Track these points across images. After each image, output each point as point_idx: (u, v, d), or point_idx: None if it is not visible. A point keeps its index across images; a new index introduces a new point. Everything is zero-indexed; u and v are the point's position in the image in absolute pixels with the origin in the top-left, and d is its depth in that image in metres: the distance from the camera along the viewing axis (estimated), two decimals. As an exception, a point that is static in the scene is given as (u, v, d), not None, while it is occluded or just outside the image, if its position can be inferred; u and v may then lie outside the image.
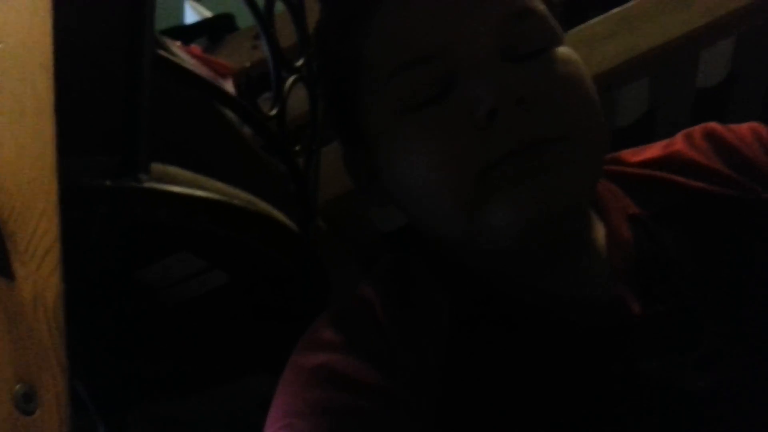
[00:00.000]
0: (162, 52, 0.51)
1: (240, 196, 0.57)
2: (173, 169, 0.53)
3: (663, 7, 0.85)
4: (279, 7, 0.68)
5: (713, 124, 0.57)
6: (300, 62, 0.72)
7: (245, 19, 0.71)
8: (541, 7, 0.49)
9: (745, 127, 0.56)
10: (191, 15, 1.14)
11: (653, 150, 0.57)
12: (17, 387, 0.30)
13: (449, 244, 0.51)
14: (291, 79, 0.70)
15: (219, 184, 0.56)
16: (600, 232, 0.52)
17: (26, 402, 0.30)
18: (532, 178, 0.44)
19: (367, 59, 0.50)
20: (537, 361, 0.47)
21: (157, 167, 0.51)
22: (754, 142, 0.55)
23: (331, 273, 0.71)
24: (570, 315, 0.48)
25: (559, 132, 0.45)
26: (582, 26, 0.87)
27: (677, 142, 0.57)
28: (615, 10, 0.89)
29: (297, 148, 0.73)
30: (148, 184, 0.49)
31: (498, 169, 0.44)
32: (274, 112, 0.66)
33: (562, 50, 0.48)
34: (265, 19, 0.64)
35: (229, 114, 0.69)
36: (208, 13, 1.15)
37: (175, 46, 0.69)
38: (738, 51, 0.92)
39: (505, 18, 0.47)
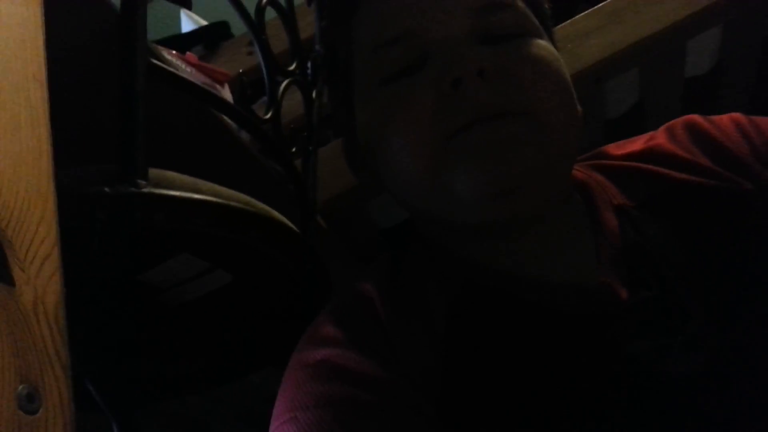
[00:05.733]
0: (155, 61, 0.53)
1: (238, 197, 0.58)
2: (171, 174, 0.55)
3: (650, -2, 0.86)
4: (271, 13, 0.69)
5: (694, 117, 0.58)
6: (293, 66, 0.74)
7: (240, 26, 0.73)
8: (520, 4, 0.51)
9: (725, 118, 0.57)
10: (187, 24, 1.15)
11: (636, 143, 0.58)
12: (20, 388, 0.31)
13: (422, 217, 0.55)
14: (285, 83, 0.72)
15: (217, 187, 0.57)
16: (587, 221, 0.53)
17: (29, 402, 0.31)
18: (491, 150, 0.46)
19: (356, 40, 0.55)
20: (530, 349, 0.48)
21: (154, 172, 0.53)
22: (735, 132, 0.56)
23: (332, 270, 0.72)
24: (560, 303, 0.50)
25: (521, 107, 0.47)
26: (571, 20, 0.88)
27: (659, 136, 0.58)
28: (602, 4, 0.90)
29: (293, 149, 0.75)
30: (146, 189, 0.51)
31: (460, 138, 0.46)
32: (268, 115, 0.68)
33: (537, 39, 0.50)
34: (256, 25, 0.66)
35: (227, 120, 0.71)
36: (203, 22, 1.16)
37: (171, 55, 0.71)
38: (726, 39, 0.92)
39: (480, 7, 0.50)
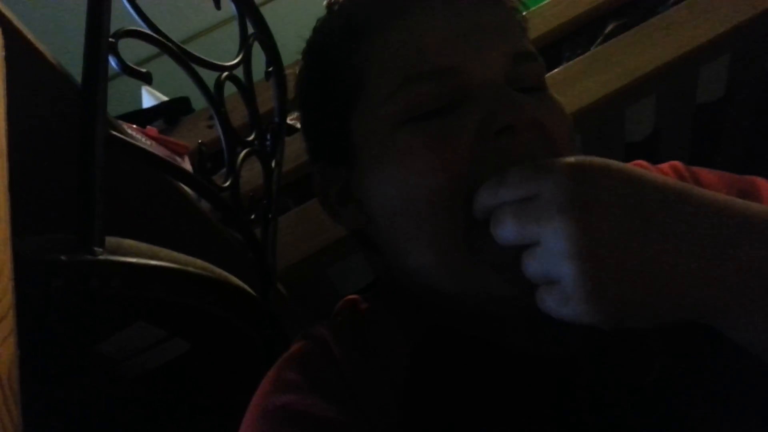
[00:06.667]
0: (115, 132, 0.54)
1: (196, 263, 0.59)
2: (128, 242, 0.55)
3: (586, 71, 0.93)
4: (230, 89, 0.72)
5: (642, 162, 0.62)
6: (252, 137, 0.76)
7: (200, 101, 0.75)
8: (540, 58, 0.52)
9: (665, 165, 0.62)
10: (148, 100, 1.18)
11: None
12: (-32, 454, 0.31)
13: (422, 275, 0.50)
14: (243, 152, 0.74)
15: (174, 254, 0.58)
16: None
17: (-22, 470, 0.31)
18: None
19: (374, 69, 0.50)
20: (495, 394, 0.48)
21: (112, 240, 0.53)
22: (674, 177, 0.60)
23: (292, 337, 0.72)
24: (527, 348, 0.50)
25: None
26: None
27: None
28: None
29: (252, 217, 0.76)
30: (102, 257, 0.51)
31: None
32: (227, 183, 0.69)
33: (552, 93, 0.51)
34: (215, 98, 0.68)
35: (186, 189, 0.72)
36: (164, 98, 1.19)
37: (131, 129, 0.73)
38: (660, 108, 0.99)
39: (516, 54, 0.49)
